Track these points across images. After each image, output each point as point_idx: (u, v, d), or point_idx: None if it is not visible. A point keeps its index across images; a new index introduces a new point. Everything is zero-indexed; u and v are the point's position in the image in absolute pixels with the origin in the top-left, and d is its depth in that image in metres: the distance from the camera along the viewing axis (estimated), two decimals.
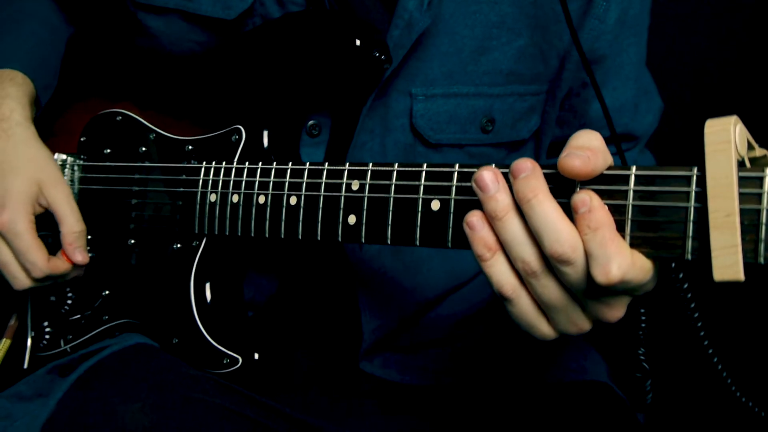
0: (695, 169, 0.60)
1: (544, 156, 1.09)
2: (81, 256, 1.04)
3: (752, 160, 0.62)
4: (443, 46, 0.94)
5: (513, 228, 0.66)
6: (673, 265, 0.69)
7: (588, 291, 0.64)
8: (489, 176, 0.66)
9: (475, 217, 0.67)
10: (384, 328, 1.03)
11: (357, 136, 0.96)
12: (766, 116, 1.52)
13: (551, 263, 0.64)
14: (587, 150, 0.63)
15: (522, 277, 0.67)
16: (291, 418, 0.96)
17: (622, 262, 0.61)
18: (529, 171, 0.64)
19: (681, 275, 0.68)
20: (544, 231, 0.63)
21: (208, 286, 0.97)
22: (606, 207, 0.63)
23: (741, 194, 0.57)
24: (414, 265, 1.02)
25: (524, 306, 0.68)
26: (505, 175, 0.68)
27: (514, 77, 0.97)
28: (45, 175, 1.02)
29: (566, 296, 0.66)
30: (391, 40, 0.91)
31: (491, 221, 0.67)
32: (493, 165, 0.70)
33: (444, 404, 1.04)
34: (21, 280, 1.02)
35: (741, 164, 0.59)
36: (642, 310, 0.77)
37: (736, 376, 0.79)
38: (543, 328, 0.69)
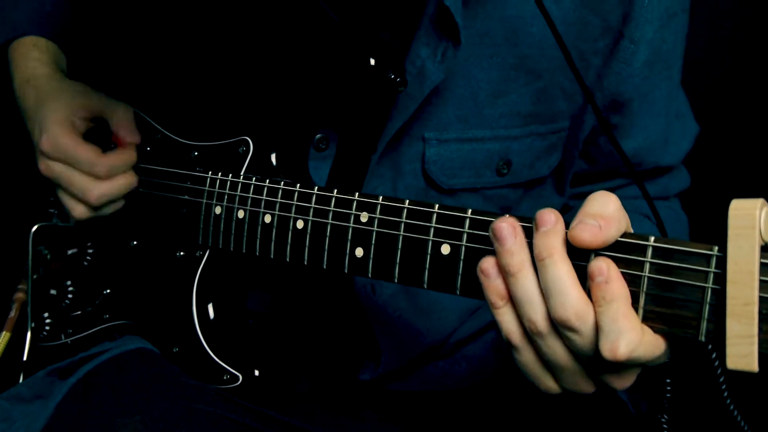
0: (716, 249, 0.59)
1: (568, 188, 1.05)
2: (131, 136, 1.00)
3: None
4: (458, 90, 0.90)
5: (525, 285, 0.64)
6: (710, 347, 0.67)
7: (594, 360, 0.63)
8: (507, 229, 0.65)
9: (489, 265, 0.66)
10: (398, 365, 1.02)
11: (368, 182, 0.93)
12: (767, 116, 1.50)
13: (559, 329, 0.63)
14: (600, 219, 0.61)
15: (528, 334, 0.66)
16: (292, 428, 0.97)
17: (632, 339, 0.59)
18: (550, 226, 0.63)
19: (714, 355, 0.66)
20: (552, 293, 0.62)
21: (210, 305, 0.96)
22: (623, 279, 0.61)
23: (762, 282, 0.56)
24: (428, 307, 1.00)
25: (529, 358, 0.67)
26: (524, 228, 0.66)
27: (533, 118, 0.94)
28: (78, 93, 1.02)
29: (571, 359, 0.65)
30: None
31: (504, 276, 0.65)
32: (507, 215, 0.68)
33: (446, 410, 1.04)
34: (91, 188, 0.97)
35: (764, 248, 0.58)
36: (668, 380, 0.76)
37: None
38: (548, 383, 0.68)
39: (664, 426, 0.85)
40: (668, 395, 0.83)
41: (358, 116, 0.93)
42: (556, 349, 0.65)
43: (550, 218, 0.63)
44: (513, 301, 0.66)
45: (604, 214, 0.62)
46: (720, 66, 1.58)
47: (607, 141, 1.00)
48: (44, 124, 0.99)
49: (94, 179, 0.97)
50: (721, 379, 0.75)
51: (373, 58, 0.85)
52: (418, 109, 0.89)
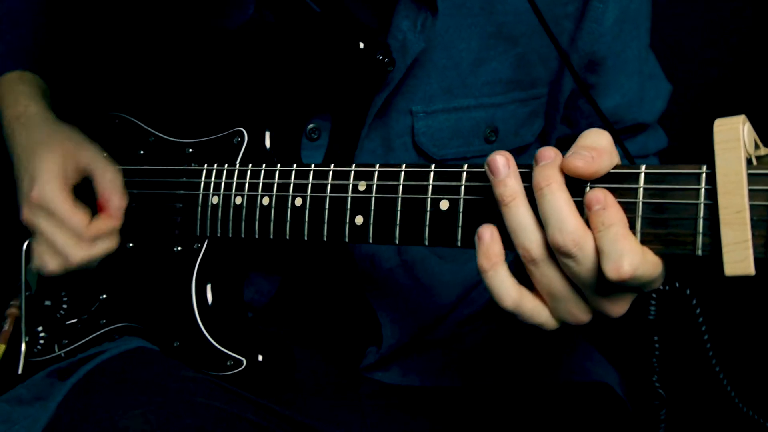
0: (704, 167, 0.62)
1: None
2: (118, 200, 0.99)
3: (758, 158, 0.64)
4: (440, 61, 0.94)
5: (519, 214, 0.67)
6: (688, 292, 0.70)
7: (594, 285, 0.65)
8: (501, 161, 0.68)
9: (487, 231, 0.68)
10: (400, 342, 1.03)
11: (358, 157, 0.96)
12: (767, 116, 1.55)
13: (556, 255, 0.65)
14: (593, 150, 0.65)
15: (523, 264, 0.68)
16: (293, 421, 0.96)
17: (634, 258, 0.62)
18: (549, 160, 0.66)
19: (695, 301, 0.69)
20: (551, 220, 0.64)
21: (209, 288, 0.96)
22: (619, 205, 0.64)
23: (751, 191, 0.59)
24: (427, 280, 1.02)
25: (527, 310, 0.69)
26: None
27: (514, 84, 0.98)
28: (68, 143, 1.01)
29: (568, 286, 0.67)
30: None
31: (499, 206, 0.68)
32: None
33: (445, 405, 1.04)
34: (73, 251, 0.97)
35: (749, 162, 0.61)
36: (656, 338, 0.78)
37: (750, 402, 0.81)
38: (544, 318, 0.70)
39: (657, 385, 0.87)
40: (657, 353, 0.85)
41: (350, 101, 0.96)
42: (552, 276, 0.67)
43: (549, 153, 0.66)
44: (509, 233, 0.68)
45: (597, 147, 0.65)
46: (720, 66, 1.61)
47: (586, 102, 1.04)
48: (36, 174, 0.98)
49: (77, 243, 0.97)
50: (704, 328, 0.78)
51: (361, 42, 0.89)
52: (404, 82, 0.93)
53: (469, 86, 0.96)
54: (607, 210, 0.63)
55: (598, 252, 0.63)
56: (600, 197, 0.63)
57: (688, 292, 0.73)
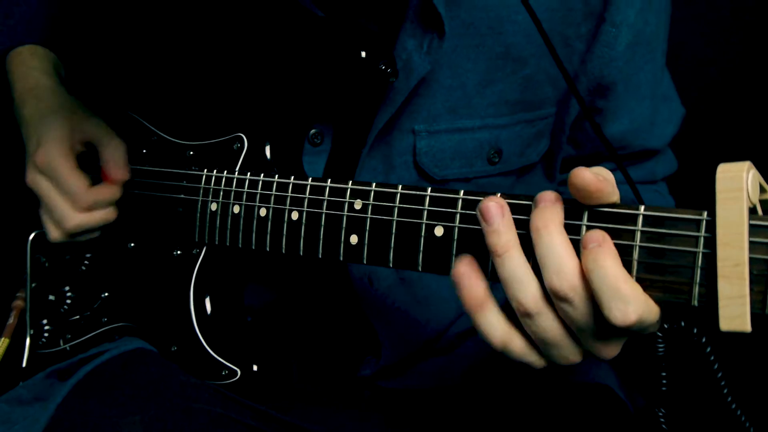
0: (705, 214, 0.59)
1: (558, 174, 1.06)
2: (120, 172, 0.99)
3: (763, 202, 0.61)
4: (446, 81, 0.91)
5: (513, 265, 0.64)
6: (695, 330, 0.68)
7: (591, 330, 0.63)
8: (494, 208, 0.65)
9: (463, 268, 0.66)
10: (400, 358, 1.02)
11: (359, 174, 0.94)
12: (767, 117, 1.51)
13: (552, 300, 0.63)
14: (600, 175, 0.62)
15: (517, 316, 0.66)
16: (291, 426, 0.96)
17: (639, 303, 0.60)
18: (549, 203, 0.63)
19: (704, 340, 0.67)
20: (548, 262, 0.62)
21: (208, 297, 0.96)
22: (615, 249, 0.62)
23: (751, 243, 0.56)
24: (425, 298, 1.00)
25: (516, 350, 0.67)
26: (512, 207, 0.67)
27: (521, 106, 0.94)
28: (77, 113, 1.02)
29: (563, 333, 0.65)
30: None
31: (491, 256, 0.66)
32: (499, 195, 0.69)
33: (445, 406, 1.04)
34: (69, 217, 0.98)
35: (752, 211, 0.58)
36: (663, 374, 0.77)
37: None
38: (534, 359, 0.68)
39: (662, 419, 0.85)
40: (663, 388, 0.83)
41: (352, 109, 0.94)
42: (546, 327, 0.64)
43: (549, 196, 0.64)
44: (500, 281, 0.65)
45: (605, 174, 0.63)
46: (720, 66, 1.58)
47: (595, 121, 1.01)
48: (42, 138, 0.99)
49: (74, 208, 0.98)
50: (716, 366, 0.76)
51: (363, 50, 0.86)
52: (407, 101, 0.90)
53: (474, 107, 0.93)
54: (602, 247, 0.61)
55: (594, 297, 0.61)
56: (598, 237, 0.61)
57: (695, 330, 0.71)
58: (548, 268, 0.62)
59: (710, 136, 1.42)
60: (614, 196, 0.64)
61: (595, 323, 0.62)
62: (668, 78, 1.09)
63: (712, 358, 0.75)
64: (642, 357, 0.84)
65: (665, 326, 0.72)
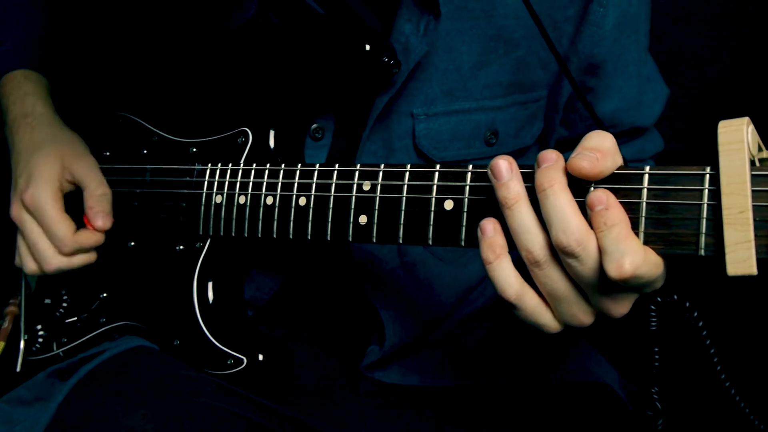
0: (708, 168, 0.63)
1: None
2: (102, 221, 1.00)
3: (761, 161, 0.65)
4: (442, 64, 0.95)
5: (522, 216, 0.68)
6: (687, 304, 0.71)
7: (596, 285, 0.66)
8: (504, 165, 0.69)
9: (489, 224, 0.70)
10: (403, 341, 1.04)
11: (359, 159, 0.96)
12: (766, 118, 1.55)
13: (558, 254, 0.66)
14: (597, 151, 0.66)
15: (526, 267, 0.68)
16: (293, 420, 0.96)
17: (636, 258, 0.62)
18: (552, 162, 0.66)
19: (696, 314, 0.70)
20: (554, 220, 0.65)
21: (210, 287, 0.97)
22: (621, 205, 0.65)
23: (754, 192, 0.60)
24: (427, 281, 1.03)
25: (528, 306, 0.70)
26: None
27: (514, 87, 0.98)
28: (69, 150, 1.03)
29: (570, 287, 0.68)
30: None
31: (501, 209, 0.69)
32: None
33: (445, 404, 1.05)
34: (51, 259, 0.99)
35: (752, 164, 0.62)
36: (656, 349, 0.79)
37: (755, 410, 0.81)
38: (547, 319, 0.70)
39: (655, 396, 0.87)
40: (656, 364, 0.85)
41: (354, 102, 0.97)
42: (553, 278, 0.67)
43: (551, 156, 0.67)
44: (512, 235, 0.68)
45: (601, 148, 0.66)
46: (720, 67, 1.61)
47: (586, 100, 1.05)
48: (33, 176, 1.00)
49: (56, 252, 0.99)
50: (708, 342, 0.78)
51: (368, 44, 0.90)
52: (405, 85, 0.93)
53: (469, 89, 0.96)
54: (609, 210, 0.64)
55: (601, 252, 0.64)
56: (602, 198, 0.64)
57: (687, 304, 0.74)
58: (555, 226, 0.65)
59: (710, 136, 1.47)
60: (616, 163, 0.67)
61: (600, 278, 0.65)
62: (651, 60, 1.14)
63: (705, 333, 0.78)
64: (635, 332, 0.86)
65: (658, 299, 0.75)
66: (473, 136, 0.99)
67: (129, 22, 1.12)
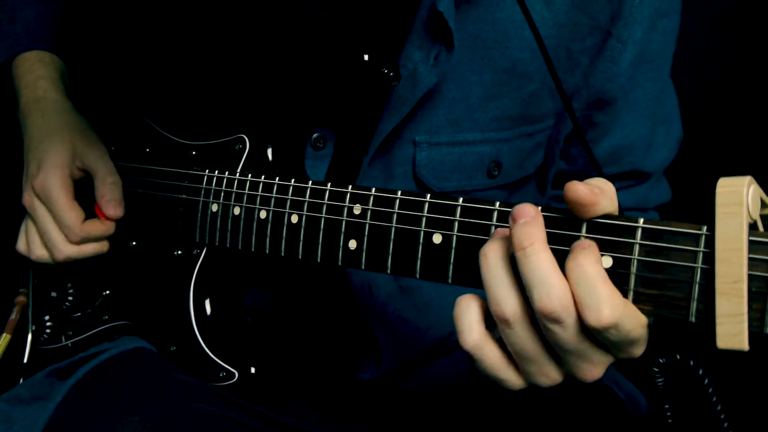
0: (704, 228, 0.58)
1: (549, 188, 1.05)
2: (113, 209, 1.00)
3: (764, 217, 0.60)
4: (450, 94, 0.90)
5: (495, 270, 0.63)
6: (692, 363, 0.67)
7: (574, 349, 0.61)
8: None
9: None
10: (400, 365, 1.02)
11: (360, 181, 0.93)
12: (766, 118, 1.49)
13: (533, 316, 0.62)
14: (596, 187, 0.62)
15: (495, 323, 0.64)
16: (290, 427, 0.96)
17: (615, 304, 0.58)
18: (530, 218, 0.61)
19: (701, 371, 0.66)
20: (535, 283, 0.60)
21: (207, 298, 0.96)
22: (600, 262, 0.61)
23: (751, 260, 0.55)
24: (425, 305, 0.99)
25: (489, 358, 0.65)
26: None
27: (524, 120, 0.93)
28: (80, 137, 1.02)
29: (541, 349, 0.63)
30: (395, 90, 0.87)
31: (480, 263, 0.64)
32: (497, 203, 0.68)
33: (445, 407, 1.03)
34: (61, 246, 0.99)
35: (752, 226, 0.57)
36: (666, 406, 0.76)
37: None
38: (509, 376, 0.66)
39: (668, 414, 0.84)
40: (669, 421, 0.82)
41: (354, 113, 0.93)
42: (525, 338, 0.62)
43: (528, 211, 0.62)
44: (486, 291, 0.64)
45: (602, 187, 0.62)
46: (719, 66, 1.57)
47: (586, 138, 0.99)
48: (43, 162, 0.99)
49: (66, 241, 0.99)
50: (714, 399, 0.75)
51: (366, 53, 0.85)
52: (410, 112, 0.89)
53: (476, 121, 0.91)
54: (586, 250, 0.60)
55: (576, 299, 0.59)
56: (585, 243, 0.60)
57: (691, 363, 0.70)
58: (537, 289, 0.60)
59: (710, 135, 1.40)
60: (611, 206, 0.63)
61: (580, 341, 0.61)
62: (674, 99, 1.07)
63: (711, 390, 0.74)
64: (646, 390, 0.83)
65: (661, 361, 0.71)
66: (476, 167, 0.94)
67: (139, 19, 1.10)
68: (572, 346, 0.61)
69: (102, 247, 1.02)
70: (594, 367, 0.63)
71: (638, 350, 0.62)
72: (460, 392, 1.05)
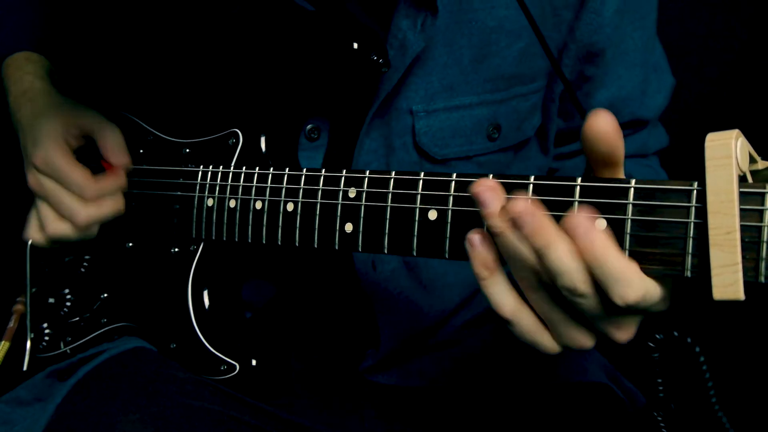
0: (695, 184, 0.59)
1: (552, 148, 1.06)
2: (121, 157, 1.00)
3: (754, 173, 0.61)
4: (441, 59, 0.91)
5: (512, 244, 0.63)
6: (689, 340, 0.68)
7: (602, 314, 0.62)
8: (487, 192, 0.63)
9: (477, 235, 0.65)
10: (400, 345, 1.02)
11: (358, 156, 0.94)
12: (766, 119, 1.51)
13: (564, 294, 0.62)
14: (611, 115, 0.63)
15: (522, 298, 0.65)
16: (291, 423, 0.96)
17: (638, 283, 0.59)
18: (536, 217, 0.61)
19: (698, 349, 0.67)
20: (559, 271, 0.60)
21: (206, 291, 0.96)
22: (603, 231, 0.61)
23: (742, 210, 0.56)
24: (431, 282, 1.00)
25: (525, 325, 0.66)
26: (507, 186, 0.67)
27: (516, 79, 0.95)
28: (70, 109, 1.03)
29: (568, 315, 0.64)
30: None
31: (492, 236, 0.65)
32: (491, 176, 0.68)
33: (445, 406, 1.03)
34: (79, 210, 0.97)
35: (742, 179, 0.58)
36: (659, 380, 0.76)
37: None
38: (545, 340, 0.66)
39: (661, 423, 0.84)
40: (661, 395, 0.82)
41: (347, 102, 0.94)
42: (551, 304, 0.64)
43: (533, 210, 0.61)
44: (505, 260, 0.65)
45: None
46: (720, 67, 1.59)
47: (583, 95, 1.01)
48: (38, 138, 1.00)
49: (82, 202, 0.98)
50: (707, 375, 0.75)
51: (355, 42, 0.87)
52: (403, 81, 0.90)
53: (470, 83, 0.93)
54: (592, 234, 0.60)
55: (600, 283, 0.60)
56: (586, 224, 0.60)
57: (689, 340, 0.70)
58: (560, 275, 0.61)
59: (702, 150, 1.42)
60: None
61: (605, 308, 0.61)
62: (660, 48, 1.09)
63: (705, 367, 0.75)
64: (639, 363, 0.83)
65: (657, 336, 0.72)
66: (475, 131, 0.95)
67: (127, 17, 1.11)
68: (598, 312, 0.62)
69: (118, 204, 1.00)
70: (622, 329, 0.64)
71: (663, 306, 0.63)
72: (460, 390, 1.05)
